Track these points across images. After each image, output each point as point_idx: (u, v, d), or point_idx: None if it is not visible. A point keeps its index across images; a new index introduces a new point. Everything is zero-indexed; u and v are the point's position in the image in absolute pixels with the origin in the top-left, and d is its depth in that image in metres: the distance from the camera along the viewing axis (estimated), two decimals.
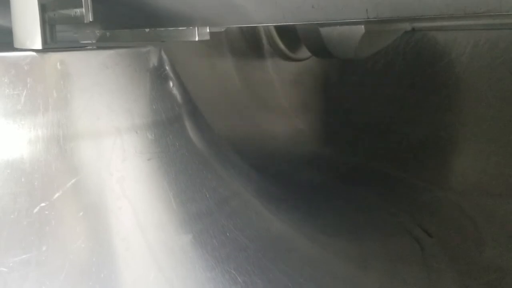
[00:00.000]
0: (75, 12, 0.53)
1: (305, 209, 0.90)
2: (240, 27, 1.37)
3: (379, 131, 1.30)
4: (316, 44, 1.10)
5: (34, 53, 0.53)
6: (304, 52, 1.40)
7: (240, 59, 1.47)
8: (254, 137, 1.43)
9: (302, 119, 1.52)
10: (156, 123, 0.60)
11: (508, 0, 0.37)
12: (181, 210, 0.58)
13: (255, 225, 0.67)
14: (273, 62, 1.50)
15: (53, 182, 0.52)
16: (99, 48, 0.63)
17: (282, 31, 1.38)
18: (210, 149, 0.69)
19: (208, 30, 0.63)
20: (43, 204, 0.51)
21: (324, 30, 1.04)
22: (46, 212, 0.51)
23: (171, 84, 0.66)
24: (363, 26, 0.96)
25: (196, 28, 0.62)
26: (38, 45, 0.54)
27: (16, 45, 0.57)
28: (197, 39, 0.62)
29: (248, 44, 1.45)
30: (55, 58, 0.54)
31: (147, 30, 0.68)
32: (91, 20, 0.53)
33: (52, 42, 0.56)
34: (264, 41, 1.45)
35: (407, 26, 1.08)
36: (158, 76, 0.63)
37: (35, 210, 0.50)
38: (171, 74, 0.67)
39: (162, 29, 0.65)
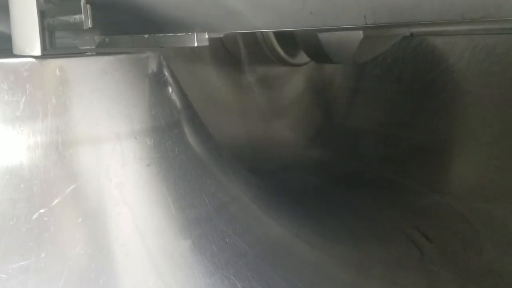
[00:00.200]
0: (75, 19, 0.54)
1: (304, 214, 0.90)
2: (239, 33, 1.37)
3: (378, 136, 1.30)
4: (315, 49, 1.11)
5: (33, 60, 0.53)
6: (302, 57, 1.40)
7: (237, 64, 1.47)
8: (253, 143, 1.42)
9: (299, 124, 1.52)
10: (155, 128, 0.60)
11: (506, 6, 0.37)
12: (180, 215, 0.58)
13: (254, 230, 0.67)
14: (270, 67, 1.50)
15: (52, 188, 0.51)
16: (98, 54, 0.63)
17: (281, 36, 1.39)
18: (209, 154, 0.69)
19: (207, 36, 0.63)
20: (42, 211, 0.50)
21: (322, 36, 1.04)
22: (45, 219, 0.50)
23: (170, 89, 0.66)
24: (361, 32, 0.96)
25: (195, 34, 0.62)
26: (37, 52, 0.54)
27: (15, 52, 0.57)
28: (196, 45, 0.62)
29: (245, 48, 1.46)
30: (54, 64, 0.54)
31: (146, 36, 0.68)
32: (90, 26, 0.53)
33: (51, 48, 0.56)
34: (263, 45, 1.45)
35: (406, 31, 1.09)
36: (157, 82, 0.63)
37: (34, 217, 0.50)
38: (170, 80, 0.67)
39: (161, 35, 0.66)
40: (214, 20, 0.59)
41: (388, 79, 1.26)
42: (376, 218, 0.99)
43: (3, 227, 0.50)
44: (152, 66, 0.63)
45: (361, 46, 0.98)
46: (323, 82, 1.50)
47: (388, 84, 1.26)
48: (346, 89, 1.41)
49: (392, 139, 1.26)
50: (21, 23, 0.55)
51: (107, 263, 0.52)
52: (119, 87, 0.58)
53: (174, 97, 0.66)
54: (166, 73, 0.66)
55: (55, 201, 0.51)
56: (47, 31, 0.55)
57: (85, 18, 0.52)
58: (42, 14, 0.54)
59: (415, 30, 1.12)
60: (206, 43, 0.63)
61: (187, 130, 0.66)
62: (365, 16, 0.45)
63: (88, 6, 0.53)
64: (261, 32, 1.36)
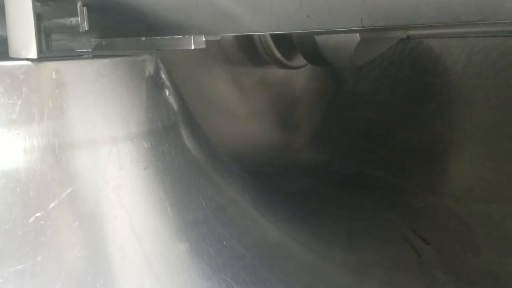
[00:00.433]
0: (71, 21, 0.54)
1: (302, 216, 0.90)
2: (236, 35, 1.37)
3: (375, 138, 1.30)
4: (312, 52, 1.11)
5: (29, 62, 0.53)
6: (300, 60, 1.40)
7: (235, 67, 1.47)
8: (250, 145, 1.43)
9: (297, 126, 1.52)
10: (152, 131, 0.60)
11: (501, 8, 0.37)
12: (178, 218, 0.58)
13: (252, 233, 0.67)
14: (268, 70, 1.50)
15: (49, 191, 0.51)
16: (94, 57, 0.63)
17: (278, 39, 1.39)
18: (206, 157, 0.69)
19: (204, 39, 0.63)
20: (38, 214, 0.50)
21: (319, 38, 1.04)
22: (42, 222, 0.50)
23: (167, 92, 0.66)
24: (358, 34, 0.97)
25: (192, 36, 0.62)
26: (34, 54, 0.54)
27: (11, 54, 0.57)
28: (193, 47, 0.62)
29: (243, 51, 1.46)
30: (51, 67, 0.54)
31: (143, 38, 0.68)
32: (86, 29, 0.53)
33: (48, 51, 0.56)
34: (260, 49, 1.45)
35: (402, 34, 1.09)
36: (154, 85, 0.63)
37: (31, 220, 0.50)
38: (167, 83, 0.67)
39: (158, 37, 0.65)
40: (211, 22, 0.59)
41: (385, 82, 1.26)
42: (373, 220, 0.99)
43: None
44: (149, 69, 0.63)
45: (358, 48, 0.98)
46: (320, 84, 1.50)
47: (385, 87, 1.27)
48: (343, 91, 1.41)
49: (389, 141, 1.26)
50: (17, 26, 0.55)
51: (104, 266, 0.52)
52: (115, 90, 0.58)
53: (171, 99, 0.66)
54: (163, 76, 0.66)
55: (52, 205, 0.51)
56: (44, 34, 0.55)
57: (81, 20, 0.52)
58: (38, 17, 0.54)
59: (411, 32, 1.12)
60: (203, 46, 0.63)
61: (184, 133, 0.66)
62: (361, 19, 0.45)
63: (84, 8, 0.53)
64: (258, 35, 1.36)
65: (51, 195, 0.51)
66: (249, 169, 0.87)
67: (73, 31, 0.54)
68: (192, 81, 1.35)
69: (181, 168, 0.61)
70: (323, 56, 1.08)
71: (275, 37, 1.39)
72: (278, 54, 1.43)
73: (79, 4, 0.53)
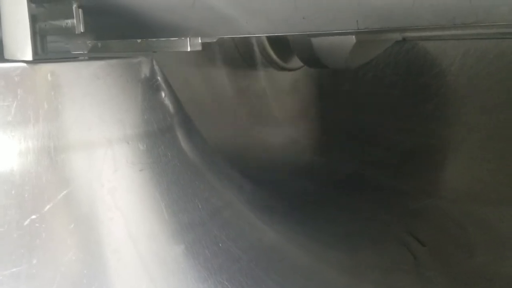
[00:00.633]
0: (66, 23, 0.54)
1: (298, 219, 0.90)
2: (232, 38, 1.37)
3: (371, 140, 1.30)
4: (308, 54, 1.11)
5: (24, 64, 0.53)
6: (296, 62, 1.40)
7: (233, 68, 1.47)
8: (247, 146, 1.43)
9: (294, 128, 1.52)
10: (148, 133, 0.59)
11: (495, 11, 0.37)
12: (173, 220, 0.58)
13: (248, 236, 0.67)
14: (265, 72, 1.50)
15: (44, 194, 0.51)
16: (90, 59, 0.63)
17: (274, 41, 1.39)
18: (202, 159, 0.69)
19: (200, 41, 0.63)
20: (33, 217, 0.50)
21: (315, 40, 1.05)
22: (37, 225, 0.50)
23: (162, 94, 0.66)
24: (354, 36, 0.97)
25: (188, 38, 0.62)
26: (29, 56, 0.54)
27: (6, 56, 0.56)
28: (189, 49, 0.62)
29: (240, 53, 1.46)
30: (46, 69, 0.53)
31: (138, 40, 0.68)
32: (82, 31, 0.53)
33: (43, 53, 0.56)
34: (256, 51, 1.45)
35: (398, 36, 1.09)
36: (149, 87, 0.63)
37: (26, 223, 0.50)
38: (162, 84, 0.67)
39: (154, 39, 0.65)
40: (207, 25, 0.59)
41: (380, 84, 1.27)
42: (369, 222, 0.99)
43: None
44: (145, 71, 0.63)
45: (353, 50, 0.98)
46: (316, 87, 1.50)
47: (381, 89, 1.27)
48: (339, 93, 1.41)
49: (385, 143, 1.26)
50: (12, 27, 0.55)
51: (99, 268, 0.52)
52: (111, 92, 0.58)
53: (167, 101, 0.66)
54: (158, 78, 0.66)
55: (47, 207, 0.51)
56: (39, 36, 0.55)
57: (77, 22, 0.52)
58: (33, 18, 0.54)
59: (407, 34, 1.12)
60: (199, 48, 0.63)
61: (180, 135, 0.66)
62: (357, 21, 0.45)
63: (80, 10, 0.53)
64: (255, 37, 1.36)
65: (46, 198, 0.51)
66: (244, 171, 0.87)
67: (68, 33, 0.54)
68: (187, 82, 1.35)
69: (177, 170, 0.61)
70: (319, 58, 1.08)
71: (271, 39, 1.39)
72: (274, 56, 1.43)
73: (74, 6, 0.53)
